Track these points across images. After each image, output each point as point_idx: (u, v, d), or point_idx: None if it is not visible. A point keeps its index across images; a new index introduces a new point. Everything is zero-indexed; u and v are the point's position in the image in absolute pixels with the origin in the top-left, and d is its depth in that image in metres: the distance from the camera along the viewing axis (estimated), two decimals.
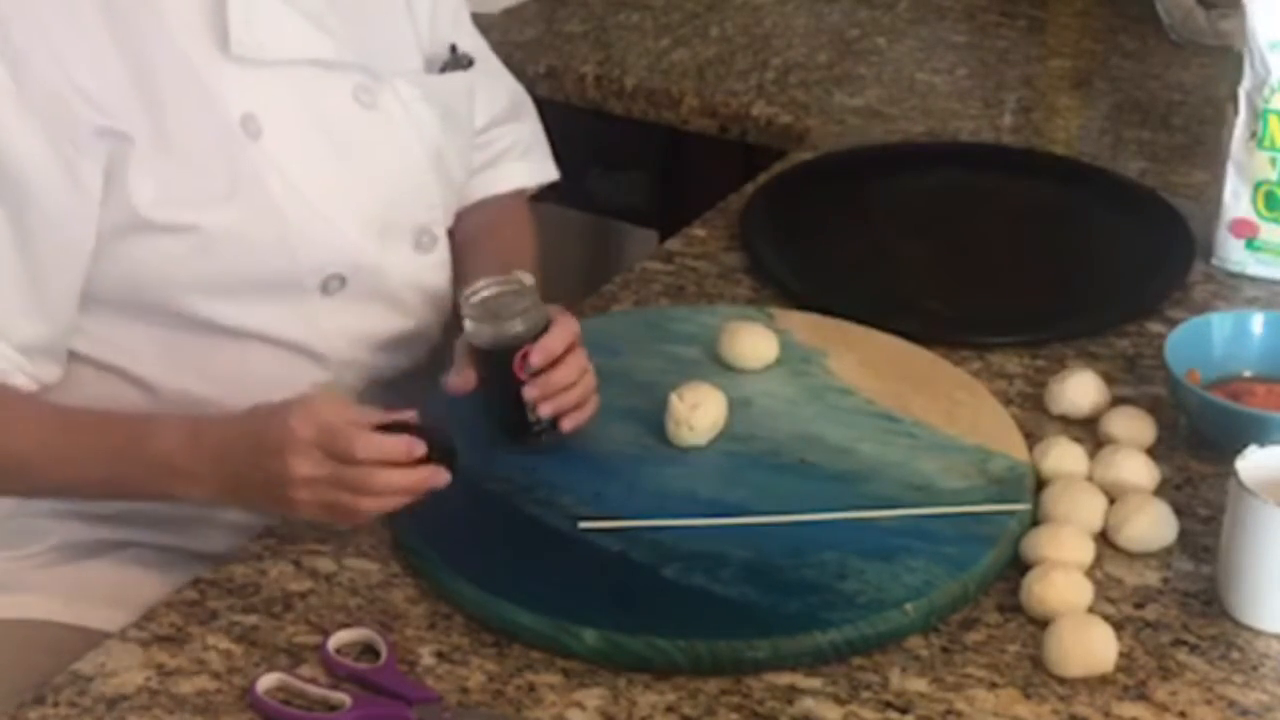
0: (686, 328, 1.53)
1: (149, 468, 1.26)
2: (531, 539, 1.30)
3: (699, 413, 1.39)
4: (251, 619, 1.25)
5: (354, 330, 1.44)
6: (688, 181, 2.12)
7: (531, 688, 1.19)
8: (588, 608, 1.21)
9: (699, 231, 1.74)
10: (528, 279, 1.35)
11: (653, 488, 1.35)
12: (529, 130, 1.66)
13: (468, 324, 1.33)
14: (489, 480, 1.36)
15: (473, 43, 1.59)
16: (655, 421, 1.40)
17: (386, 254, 1.44)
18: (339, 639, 1.22)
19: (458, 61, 1.51)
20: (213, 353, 1.35)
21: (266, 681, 1.19)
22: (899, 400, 1.43)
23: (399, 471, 1.21)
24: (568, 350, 1.34)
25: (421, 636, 1.23)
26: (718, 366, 1.47)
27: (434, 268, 1.50)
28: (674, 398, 1.39)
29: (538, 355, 1.32)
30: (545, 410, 1.34)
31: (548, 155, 1.67)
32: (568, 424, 1.35)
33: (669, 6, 2.25)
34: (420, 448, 1.22)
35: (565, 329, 1.34)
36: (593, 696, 1.18)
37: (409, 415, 1.24)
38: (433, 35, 1.51)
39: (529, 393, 1.33)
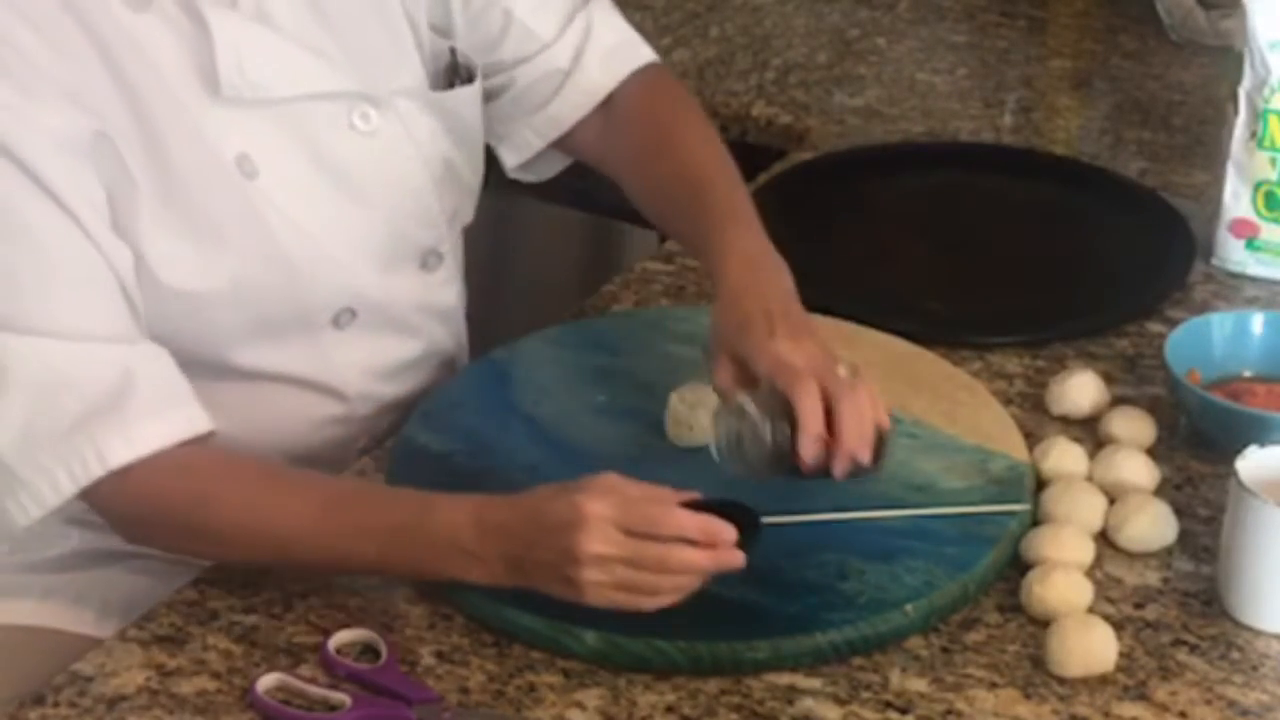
0: (686, 328, 1.53)
1: (429, 546, 1.20)
2: None
3: (699, 413, 1.38)
4: (251, 619, 1.25)
5: (367, 360, 1.43)
6: None
7: (531, 688, 1.19)
8: (588, 608, 1.21)
9: None
10: (746, 403, 1.23)
11: None
12: (598, 17, 1.52)
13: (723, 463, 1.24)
14: (489, 480, 1.36)
15: None
16: (655, 421, 1.40)
17: (393, 280, 1.42)
18: (339, 639, 1.22)
19: (457, 70, 1.47)
20: (225, 394, 1.31)
21: (266, 681, 1.19)
22: (899, 400, 1.43)
23: (701, 551, 1.16)
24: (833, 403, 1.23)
25: (421, 636, 1.23)
26: None
27: (442, 285, 1.48)
28: (674, 398, 1.39)
29: (811, 454, 1.22)
30: (862, 456, 1.23)
31: (630, 38, 1.54)
32: (870, 455, 1.24)
33: (669, 6, 2.25)
34: (731, 531, 1.16)
35: (809, 404, 1.21)
36: (593, 696, 1.18)
37: (695, 495, 1.19)
38: (433, 29, 1.47)
39: (837, 470, 1.23)
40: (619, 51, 1.51)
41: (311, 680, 1.19)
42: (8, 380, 1.20)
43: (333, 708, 1.17)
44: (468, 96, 1.46)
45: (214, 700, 1.19)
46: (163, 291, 1.28)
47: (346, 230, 1.38)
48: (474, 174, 1.50)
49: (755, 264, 1.34)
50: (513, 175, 1.54)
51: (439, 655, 1.22)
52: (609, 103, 1.50)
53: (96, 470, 1.21)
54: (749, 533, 1.18)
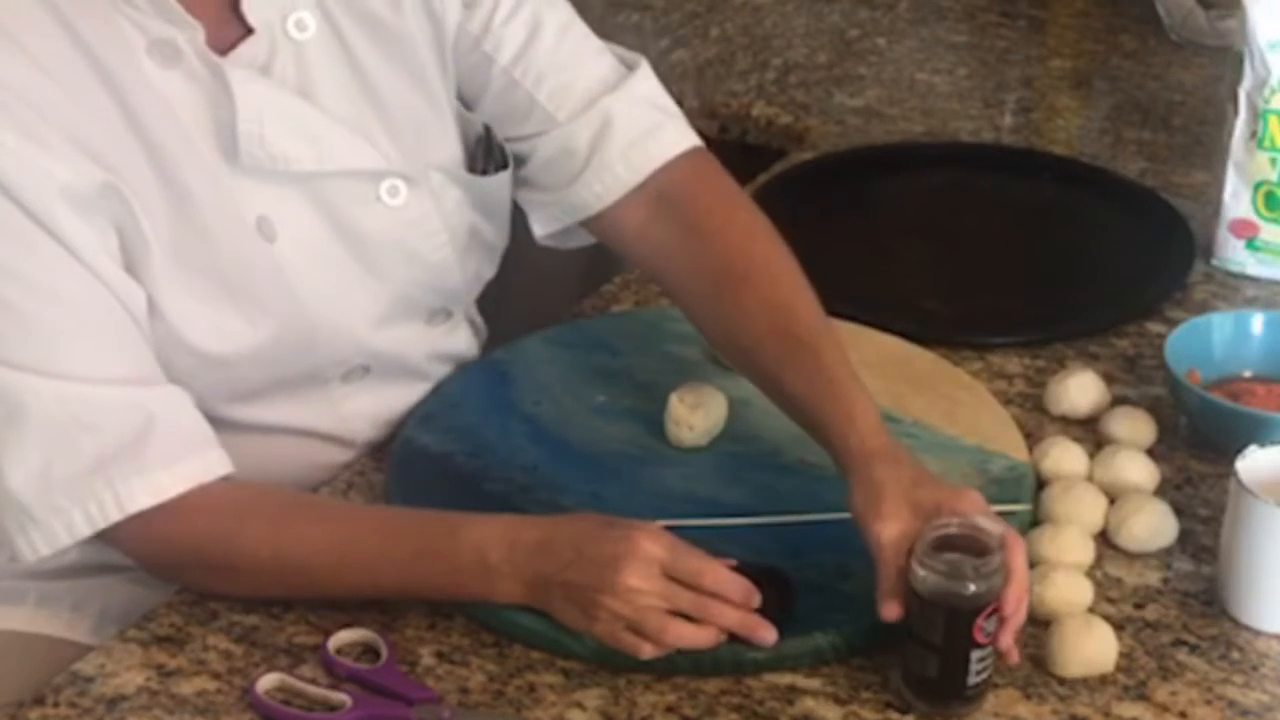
0: (686, 328, 1.52)
1: (454, 568, 1.20)
2: None
3: (699, 413, 1.39)
4: (251, 619, 1.25)
5: (375, 411, 1.43)
6: None
7: (531, 688, 1.19)
8: None
9: None
10: (996, 530, 1.15)
11: (653, 488, 1.35)
12: (621, 109, 1.42)
13: (915, 565, 1.14)
14: (489, 480, 1.36)
15: (535, 20, 1.41)
16: (655, 421, 1.40)
17: (400, 335, 1.41)
18: (339, 639, 1.22)
19: (491, 153, 1.43)
20: (231, 444, 1.29)
21: (266, 681, 1.19)
22: (899, 400, 1.43)
23: (733, 609, 1.18)
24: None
25: (421, 636, 1.23)
26: (718, 366, 1.47)
27: (449, 334, 1.47)
28: (674, 398, 1.39)
29: (1007, 632, 1.15)
30: (1013, 654, 1.17)
31: (658, 126, 1.43)
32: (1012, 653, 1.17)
33: (669, 6, 2.25)
34: (757, 597, 1.18)
35: (1020, 578, 1.16)
36: (593, 696, 1.18)
37: (731, 561, 1.20)
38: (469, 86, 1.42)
39: (1008, 648, 1.16)
40: (644, 144, 1.41)
41: (311, 680, 1.19)
42: (27, 419, 1.20)
43: (333, 708, 1.17)
44: (503, 181, 1.43)
45: (214, 700, 1.19)
46: (175, 343, 1.27)
47: (363, 295, 1.36)
48: (500, 239, 1.47)
49: (884, 430, 1.25)
50: (542, 243, 1.49)
51: (439, 655, 1.22)
52: (650, 202, 1.41)
53: (114, 515, 1.21)
54: (784, 599, 1.20)
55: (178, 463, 1.23)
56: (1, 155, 1.17)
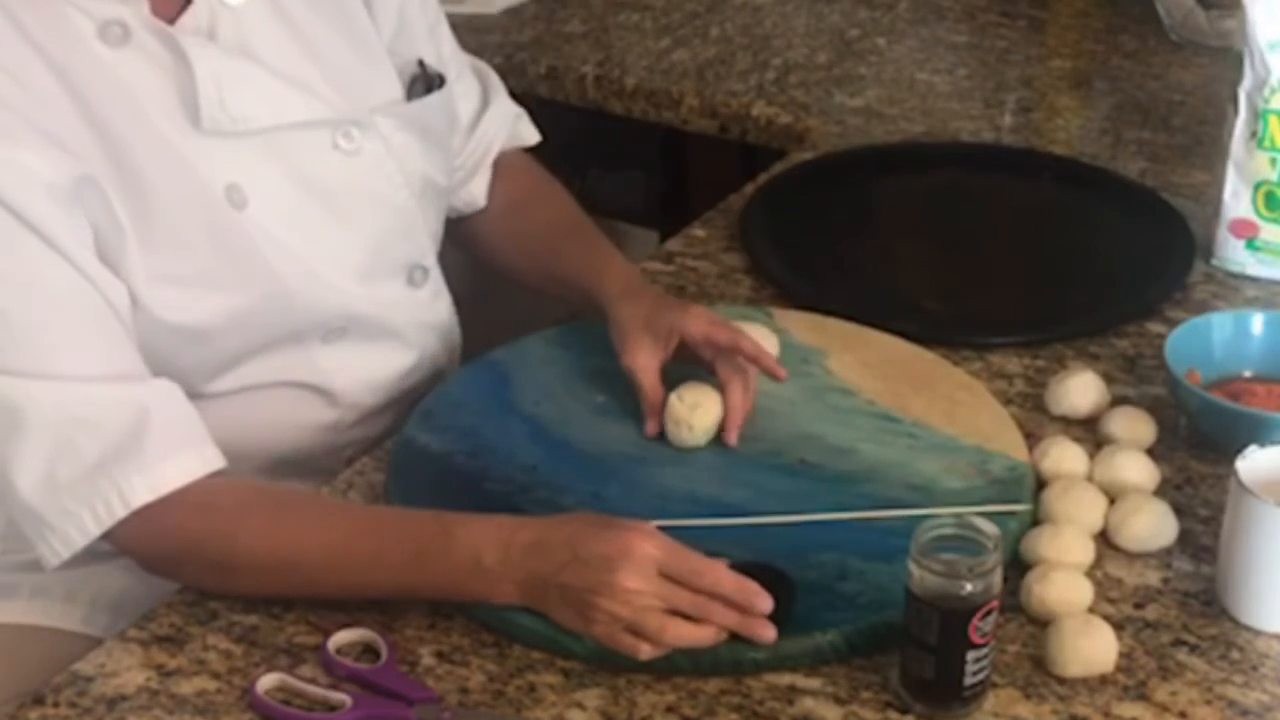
0: None
1: (450, 569, 1.20)
2: None
3: (699, 413, 1.39)
4: (251, 619, 1.25)
5: (357, 371, 1.44)
6: (688, 181, 2.12)
7: (531, 688, 1.19)
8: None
9: (699, 231, 1.74)
10: (992, 530, 1.14)
11: (653, 488, 1.35)
12: (506, 104, 1.63)
13: (912, 565, 1.13)
14: (489, 480, 1.36)
15: (449, 47, 1.55)
16: None
17: (382, 296, 1.43)
18: (339, 639, 1.22)
19: (429, 80, 1.48)
20: (217, 408, 1.31)
21: (266, 681, 1.19)
22: (899, 400, 1.43)
23: (729, 611, 1.17)
24: None
25: (421, 636, 1.23)
26: None
27: (430, 299, 1.49)
28: (674, 398, 1.39)
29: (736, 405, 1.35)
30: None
31: (527, 120, 1.67)
32: None
33: (669, 6, 2.26)
34: (766, 602, 1.17)
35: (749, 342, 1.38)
36: (592, 696, 1.18)
37: (726, 561, 1.19)
38: (405, 52, 1.48)
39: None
40: (515, 123, 1.64)
41: (311, 680, 1.19)
42: (26, 425, 1.20)
43: (333, 708, 1.17)
44: (438, 102, 1.48)
45: (214, 700, 1.19)
46: (155, 326, 1.28)
47: (336, 252, 1.38)
48: (447, 178, 1.50)
49: (632, 277, 1.49)
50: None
51: (439, 655, 1.22)
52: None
53: (120, 511, 1.22)
54: (783, 599, 1.19)
55: (175, 455, 1.23)
56: None
